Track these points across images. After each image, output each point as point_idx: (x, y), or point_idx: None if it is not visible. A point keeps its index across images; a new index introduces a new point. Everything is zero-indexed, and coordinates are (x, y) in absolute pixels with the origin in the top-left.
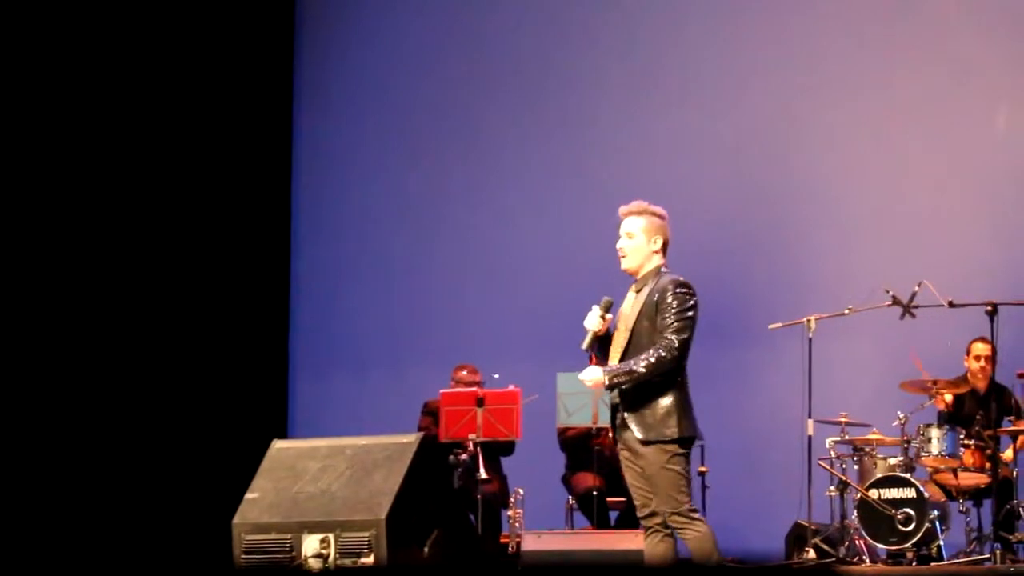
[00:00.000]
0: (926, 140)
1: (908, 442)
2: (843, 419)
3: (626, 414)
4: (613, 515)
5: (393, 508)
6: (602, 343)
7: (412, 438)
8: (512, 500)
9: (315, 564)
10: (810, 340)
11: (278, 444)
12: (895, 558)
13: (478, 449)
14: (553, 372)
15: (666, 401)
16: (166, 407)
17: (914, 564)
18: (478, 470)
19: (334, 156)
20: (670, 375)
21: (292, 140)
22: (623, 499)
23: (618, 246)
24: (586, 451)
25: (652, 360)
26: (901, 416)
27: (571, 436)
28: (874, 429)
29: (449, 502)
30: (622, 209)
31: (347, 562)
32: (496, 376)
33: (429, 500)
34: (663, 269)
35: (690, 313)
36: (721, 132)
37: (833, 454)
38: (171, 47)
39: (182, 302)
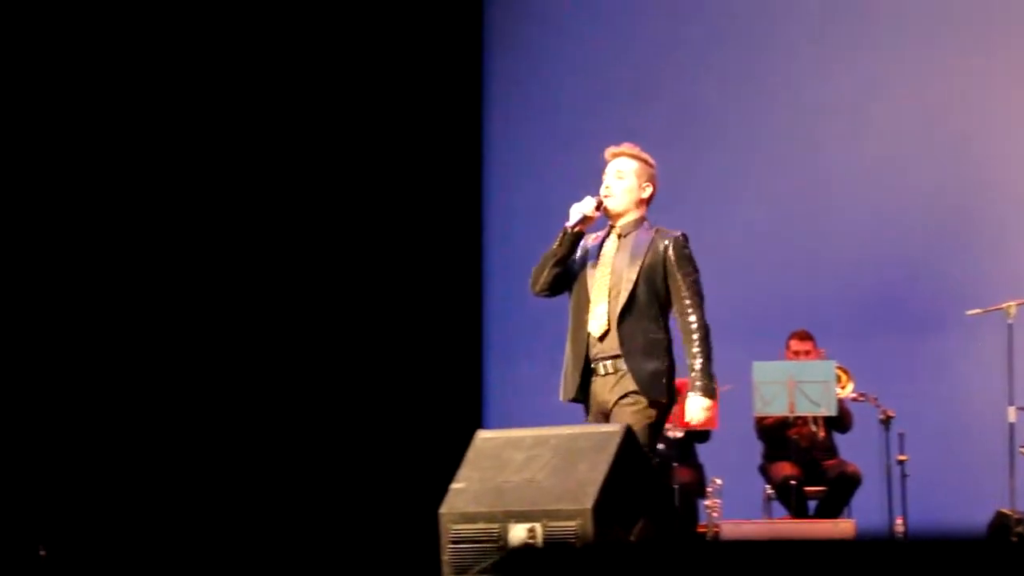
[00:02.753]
0: None
1: None
2: None
3: (626, 363)
4: (811, 504)
5: (599, 497)
6: (563, 278)
7: (617, 427)
8: (709, 490)
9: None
10: (1010, 326)
11: (482, 434)
12: None
13: (676, 438)
14: (749, 361)
15: (663, 365)
16: (362, 397)
17: None
18: (675, 460)
19: (525, 136)
20: (666, 340)
21: (482, 124)
22: (822, 488)
23: (605, 183)
24: (783, 440)
25: (701, 333)
26: None
27: (768, 425)
28: None
29: (653, 491)
30: (612, 149)
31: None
32: None
33: (634, 489)
34: (647, 222)
35: (699, 277)
36: (913, 114)
37: None
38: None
39: (377, 291)
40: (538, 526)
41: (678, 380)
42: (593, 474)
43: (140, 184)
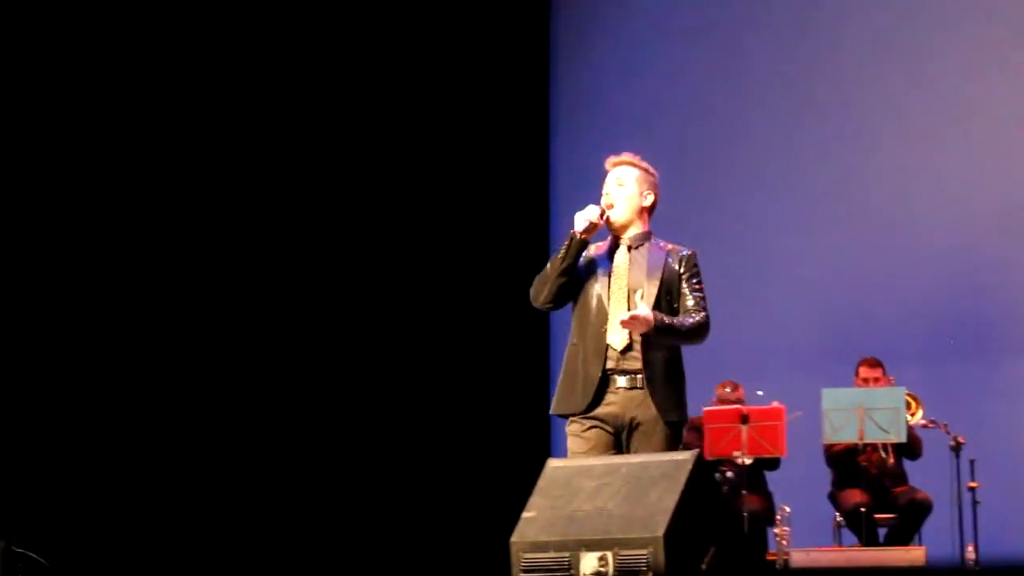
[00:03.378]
0: None
1: None
2: None
3: (646, 379)
4: (882, 532)
5: (671, 525)
6: (568, 288)
7: (687, 455)
8: (779, 517)
9: None
10: None
11: (553, 463)
12: None
13: (745, 465)
14: (818, 388)
15: (680, 385)
16: (425, 396)
17: None
18: (744, 487)
19: (591, 134)
20: (680, 359)
21: (549, 143)
22: (892, 515)
23: (605, 192)
24: (853, 467)
25: (699, 321)
26: None
27: (837, 452)
28: None
29: (724, 519)
30: (612, 159)
31: None
32: (760, 393)
33: (704, 517)
34: (655, 237)
35: (706, 295)
36: (990, 136)
37: None
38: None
39: (446, 295)
40: (609, 555)
41: (707, 410)
42: (664, 502)
43: (187, 182)
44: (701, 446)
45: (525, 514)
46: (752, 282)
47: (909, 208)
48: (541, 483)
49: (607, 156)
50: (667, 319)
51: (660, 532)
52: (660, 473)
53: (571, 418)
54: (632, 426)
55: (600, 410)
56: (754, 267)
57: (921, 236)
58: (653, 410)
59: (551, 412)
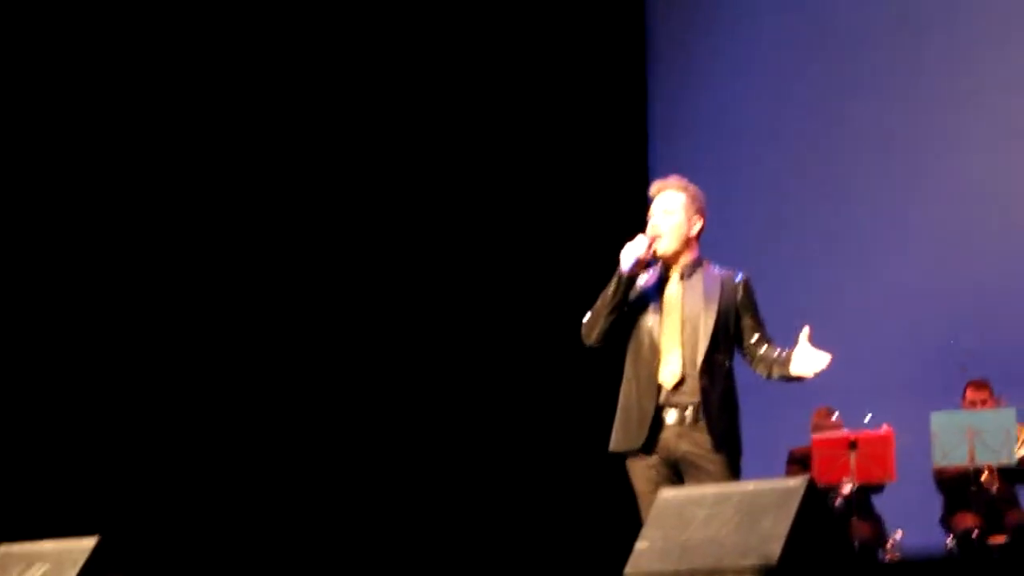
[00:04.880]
0: None
1: None
2: None
3: (703, 412)
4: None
5: (784, 552)
6: (619, 326)
7: (799, 481)
8: (890, 544)
9: None
10: None
11: (664, 493)
12: None
13: (853, 492)
14: (926, 412)
15: (735, 419)
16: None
17: None
18: (853, 513)
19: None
20: (734, 391)
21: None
22: (1005, 537)
23: (652, 223)
24: (964, 491)
25: None
26: None
27: (949, 476)
28: None
29: (837, 545)
30: (657, 184)
31: None
32: (868, 418)
33: (817, 544)
34: (706, 261)
35: None
36: None
37: None
38: None
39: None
40: None
41: (816, 437)
42: (777, 529)
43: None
44: None
45: (638, 545)
46: (854, 304)
47: (1017, 227)
48: (653, 513)
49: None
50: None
51: (774, 559)
52: (772, 500)
53: (630, 456)
54: (685, 460)
55: (656, 446)
56: (855, 289)
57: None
58: (706, 443)
59: (610, 449)
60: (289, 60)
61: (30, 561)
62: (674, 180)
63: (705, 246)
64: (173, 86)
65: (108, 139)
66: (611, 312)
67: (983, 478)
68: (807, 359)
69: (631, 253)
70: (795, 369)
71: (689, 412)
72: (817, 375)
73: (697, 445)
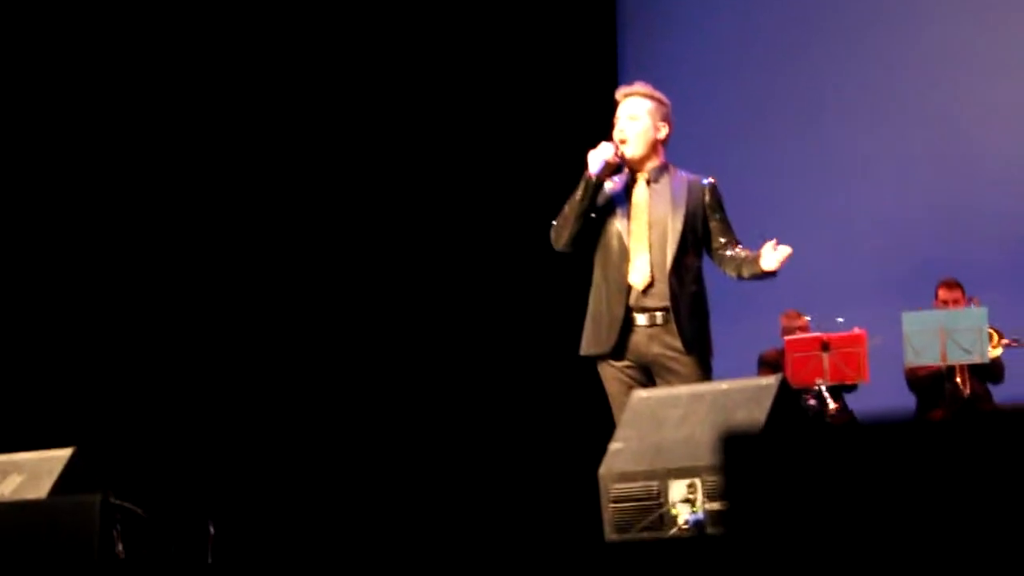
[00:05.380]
0: None
1: None
2: None
3: (672, 315)
4: None
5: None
6: (588, 230)
7: (772, 380)
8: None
9: (683, 510)
10: None
11: (638, 394)
12: None
13: (822, 388)
14: (897, 313)
15: (706, 321)
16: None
17: None
18: (827, 405)
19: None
20: (704, 293)
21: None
22: None
23: (618, 128)
24: (937, 389)
25: None
26: None
27: (921, 376)
28: None
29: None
30: (623, 90)
31: (715, 505)
32: (840, 320)
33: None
34: (672, 166)
35: None
36: None
37: None
38: None
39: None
40: (698, 481)
41: (788, 339)
42: (750, 427)
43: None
44: None
45: (612, 445)
46: (824, 209)
47: (987, 133)
48: (627, 414)
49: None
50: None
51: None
52: (745, 398)
53: (601, 359)
54: (656, 362)
55: (628, 347)
56: (826, 194)
57: (996, 160)
58: (677, 344)
59: (581, 353)
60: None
61: (5, 471)
62: (639, 86)
63: (675, 156)
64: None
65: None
66: (580, 216)
67: (951, 384)
68: (773, 254)
69: (598, 156)
70: (764, 264)
71: (659, 315)
72: (782, 264)
73: (668, 347)
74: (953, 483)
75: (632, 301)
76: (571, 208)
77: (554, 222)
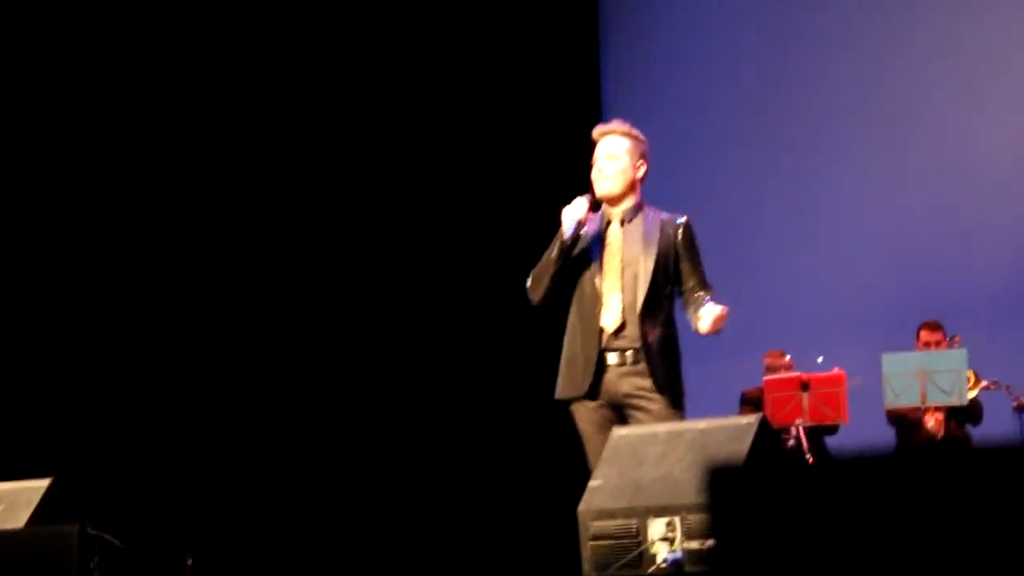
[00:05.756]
0: None
1: None
2: None
3: (644, 355)
4: None
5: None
6: (563, 284)
7: (752, 418)
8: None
9: (662, 548)
10: None
11: (618, 431)
12: None
13: (802, 431)
14: (878, 354)
15: (677, 363)
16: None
17: None
18: (805, 453)
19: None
20: (676, 336)
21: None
22: None
23: (597, 167)
24: (917, 431)
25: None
26: None
27: (901, 417)
28: None
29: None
30: (600, 129)
31: (694, 544)
32: (820, 360)
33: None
34: (647, 206)
35: None
36: None
37: None
38: None
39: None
40: (677, 520)
41: (767, 379)
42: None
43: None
44: None
45: (592, 483)
46: (807, 248)
47: (970, 170)
48: (607, 451)
49: (642, 130)
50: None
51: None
52: (725, 436)
53: (575, 401)
54: (626, 401)
55: (601, 387)
56: (808, 233)
57: (982, 198)
58: (647, 384)
59: (556, 397)
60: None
61: None
62: (617, 124)
63: (653, 195)
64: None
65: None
66: (554, 275)
67: (929, 426)
68: (708, 317)
69: (571, 216)
70: (700, 326)
71: (629, 355)
72: (717, 324)
73: (637, 387)
74: (935, 518)
75: (604, 342)
76: (546, 265)
77: (529, 279)
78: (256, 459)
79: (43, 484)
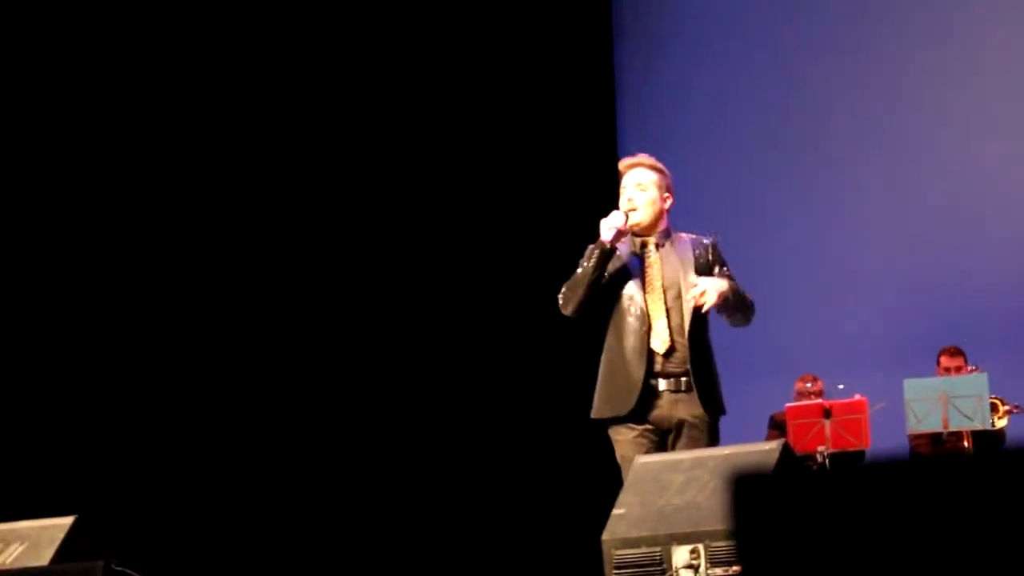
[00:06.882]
0: None
1: None
2: None
3: (694, 380)
4: None
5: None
6: (598, 296)
7: (774, 445)
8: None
9: (687, 575)
10: None
11: (641, 459)
12: None
13: (826, 461)
14: (900, 379)
15: (718, 377)
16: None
17: None
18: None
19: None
20: (713, 354)
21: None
22: None
23: (627, 197)
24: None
25: (750, 298)
26: None
27: (925, 441)
28: None
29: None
30: (627, 161)
31: (718, 571)
32: (841, 387)
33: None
34: (674, 231)
35: None
36: None
37: None
38: None
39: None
40: (701, 547)
41: (789, 406)
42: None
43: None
44: None
45: (616, 511)
46: (827, 274)
47: (994, 198)
48: (630, 479)
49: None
50: (734, 283)
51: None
52: (748, 464)
53: (616, 422)
54: (679, 428)
55: (646, 414)
56: (829, 260)
57: (1001, 224)
58: (699, 410)
59: (593, 416)
60: (267, 62)
61: (7, 540)
62: (644, 158)
63: (672, 223)
64: (173, 86)
65: (108, 139)
66: (591, 284)
67: (958, 443)
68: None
69: (610, 224)
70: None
71: (683, 381)
72: (697, 298)
73: (691, 414)
74: (967, 543)
75: (655, 367)
76: (583, 275)
77: (563, 289)
78: (283, 499)
79: (67, 522)
